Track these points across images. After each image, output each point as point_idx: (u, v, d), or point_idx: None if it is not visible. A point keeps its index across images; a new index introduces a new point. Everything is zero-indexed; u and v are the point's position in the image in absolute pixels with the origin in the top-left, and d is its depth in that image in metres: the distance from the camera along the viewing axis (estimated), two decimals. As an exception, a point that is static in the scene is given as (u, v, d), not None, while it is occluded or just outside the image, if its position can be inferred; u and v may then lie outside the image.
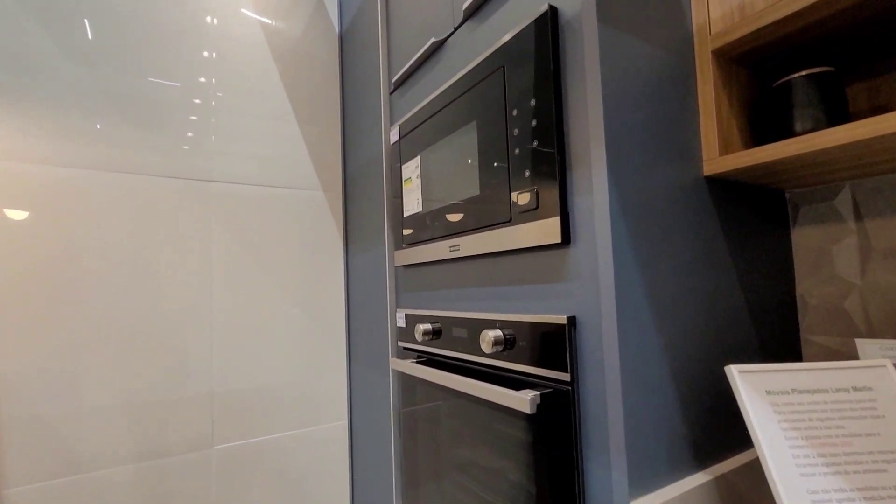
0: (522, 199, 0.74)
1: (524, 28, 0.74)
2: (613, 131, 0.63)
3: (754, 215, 0.86)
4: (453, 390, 0.92)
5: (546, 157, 0.70)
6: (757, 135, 0.81)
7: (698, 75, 0.77)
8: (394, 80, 1.20)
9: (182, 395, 1.28)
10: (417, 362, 1.06)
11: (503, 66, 0.79)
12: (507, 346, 0.77)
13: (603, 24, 0.64)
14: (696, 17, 0.77)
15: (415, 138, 1.08)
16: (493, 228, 0.80)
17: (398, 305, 1.20)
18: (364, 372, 1.43)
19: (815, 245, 0.90)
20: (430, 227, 1.01)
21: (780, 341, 0.87)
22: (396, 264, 1.16)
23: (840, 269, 0.86)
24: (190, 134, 1.34)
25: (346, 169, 1.59)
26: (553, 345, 0.68)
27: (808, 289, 0.91)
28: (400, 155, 1.15)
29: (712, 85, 0.75)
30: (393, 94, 1.25)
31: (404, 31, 1.19)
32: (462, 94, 0.90)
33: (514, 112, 0.76)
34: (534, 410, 0.66)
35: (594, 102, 0.64)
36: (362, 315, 1.43)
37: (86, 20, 1.22)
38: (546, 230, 0.69)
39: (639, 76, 0.68)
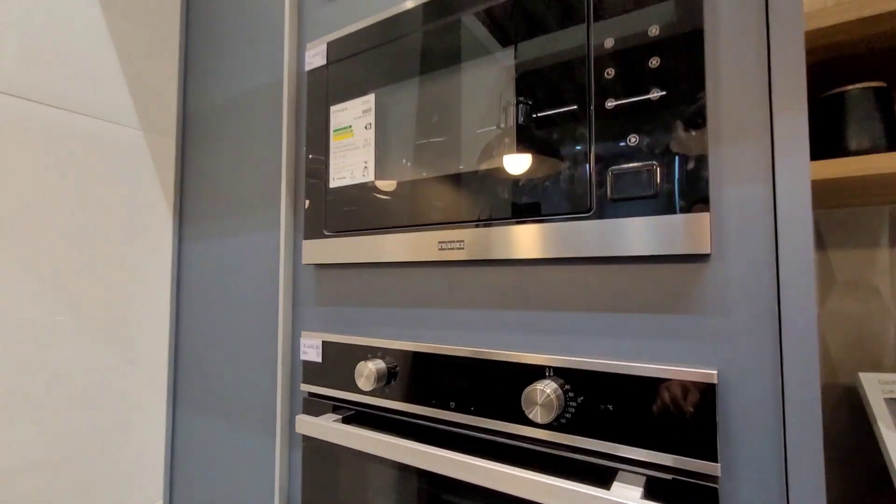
0: (623, 181, 0.47)
1: (645, -88, 0.47)
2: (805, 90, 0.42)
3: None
4: (443, 479, 0.57)
5: (682, 118, 0.44)
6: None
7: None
8: (317, -28, 0.76)
9: None
10: (346, 420, 0.66)
11: (588, -31, 0.50)
12: (566, 407, 0.48)
13: (802, -70, 0.43)
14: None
15: (363, 65, 0.68)
16: (552, 221, 0.50)
17: (301, 327, 0.76)
18: (207, 427, 0.89)
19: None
20: (388, 208, 0.63)
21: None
22: (306, 262, 0.72)
23: (807, 297, 0.87)
24: None
25: (188, 102, 1.01)
26: (686, 415, 0.43)
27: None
28: (327, 90, 0.72)
29: (792, 76, 0.63)
30: (308, -3, 0.80)
31: None
32: (485, 8, 0.57)
33: (609, 43, 0.49)
34: (669, 531, 0.40)
35: (784, 40, 0.42)
36: (209, 336, 0.90)
37: None
38: (676, 232, 0.44)
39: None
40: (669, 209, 0.44)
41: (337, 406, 0.69)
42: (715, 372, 0.42)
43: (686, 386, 0.43)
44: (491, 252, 0.54)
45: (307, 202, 0.73)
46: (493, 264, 0.57)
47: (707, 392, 0.42)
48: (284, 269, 0.76)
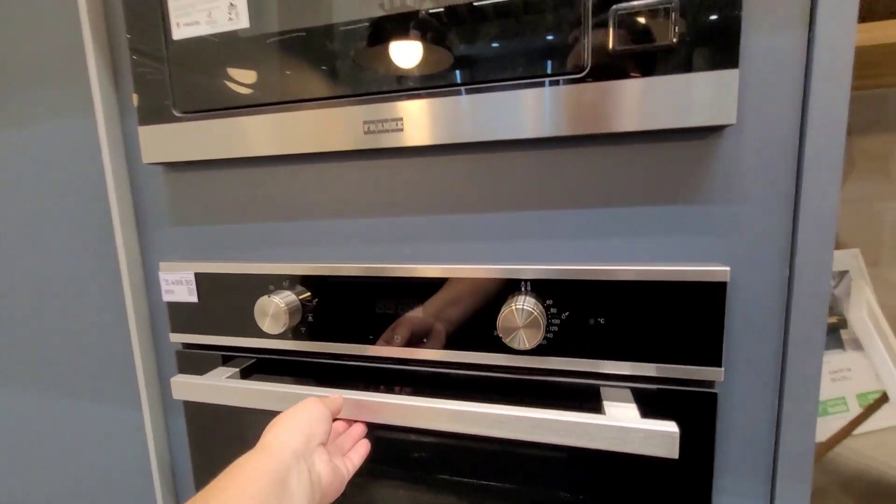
0: (631, 26, 0.34)
1: None
2: None
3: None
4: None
5: (715, -68, 0.32)
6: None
7: None
8: None
9: None
10: (246, 373, 0.50)
11: None
12: (549, 326, 0.40)
13: None
14: None
15: None
16: (532, 86, 0.37)
17: (158, 257, 0.53)
18: (28, 403, 0.64)
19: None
20: (280, 71, 0.42)
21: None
22: (150, 160, 0.48)
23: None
24: None
25: None
26: (691, 320, 0.37)
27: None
28: None
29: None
30: None
31: None
32: None
33: None
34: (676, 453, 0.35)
35: None
36: (7, 279, 0.61)
37: None
38: (697, 96, 0.34)
39: None
40: (688, 65, 0.34)
41: (228, 356, 0.51)
42: (728, 269, 0.36)
43: (694, 287, 0.36)
44: (445, 133, 0.39)
45: (135, 69, 0.46)
46: (447, 151, 0.42)
47: (717, 292, 0.36)
48: (114, 173, 0.50)
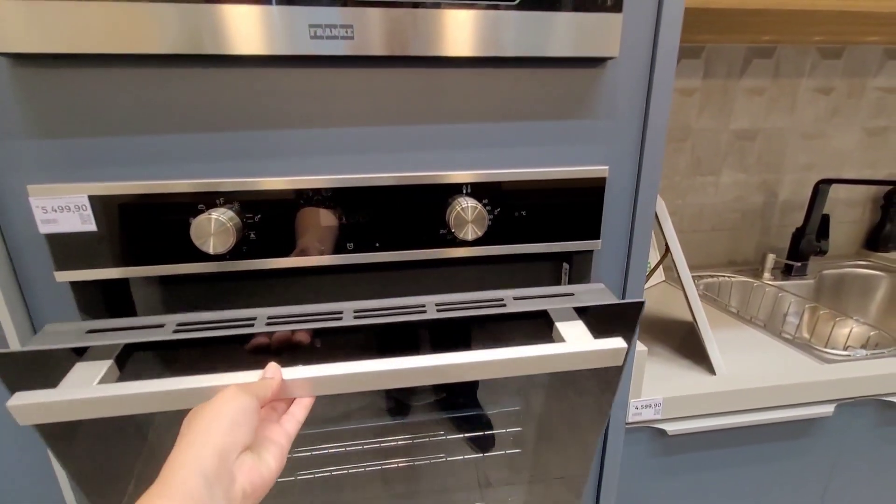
0: (553, -38, 0.41)
1: None
2: None
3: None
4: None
5: None
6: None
7: None
8: None
9: None
10: (121, 362, 0.47)
11: None
12: (487, 219, 0.48)
13: None
14: None
15: None
16: (474, 7, 0.41)
17: (22, 179, 0.41)
18: None
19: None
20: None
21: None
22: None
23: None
24: None
25: None
26: (583, 207, 0.50)
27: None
28: None
29: None
30: None
31: None
32: None
33: None
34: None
35: None
36: None
37: None
38: (592, 32, 0.44)
39: None
40: (588, 6, 0.43)
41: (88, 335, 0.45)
42: (607, 167, 0.49)
43: (585, 183, 0.49)
44: (393, 45, 0.41)
45: None
46: (393, 63, 0.44)
47: (600, 186, 0.50)
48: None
